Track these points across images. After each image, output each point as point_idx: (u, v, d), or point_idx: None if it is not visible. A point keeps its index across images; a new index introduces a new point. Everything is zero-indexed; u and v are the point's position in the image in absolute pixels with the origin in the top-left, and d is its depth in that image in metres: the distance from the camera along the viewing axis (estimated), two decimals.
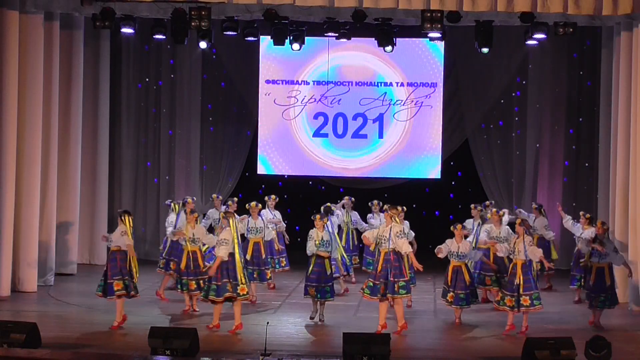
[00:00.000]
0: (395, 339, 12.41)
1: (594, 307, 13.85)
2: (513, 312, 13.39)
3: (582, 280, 15.01)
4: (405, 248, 13.21)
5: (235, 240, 13.20)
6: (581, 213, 15.62)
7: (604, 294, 13.77)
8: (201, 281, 14.17)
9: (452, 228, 14.02)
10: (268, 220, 16.13)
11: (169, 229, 15.72)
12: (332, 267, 14.09)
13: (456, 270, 13.91)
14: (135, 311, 14.11)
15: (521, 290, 13.35)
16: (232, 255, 13.13)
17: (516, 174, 19.56)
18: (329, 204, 16.54)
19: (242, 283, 13.12)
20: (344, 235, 17.27)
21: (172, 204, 16.09)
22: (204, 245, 14.48)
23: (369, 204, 17.07)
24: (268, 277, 15.71)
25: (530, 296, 13.36)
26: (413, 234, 15.34)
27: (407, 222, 15.28)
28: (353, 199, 17.29)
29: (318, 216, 13.86)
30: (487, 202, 16.80)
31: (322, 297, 13.75)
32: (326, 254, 13.71)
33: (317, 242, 13.67)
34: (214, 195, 17.13)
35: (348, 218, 17.23)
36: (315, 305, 13.91)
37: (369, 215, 17.07)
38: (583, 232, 15.28)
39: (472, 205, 16.02)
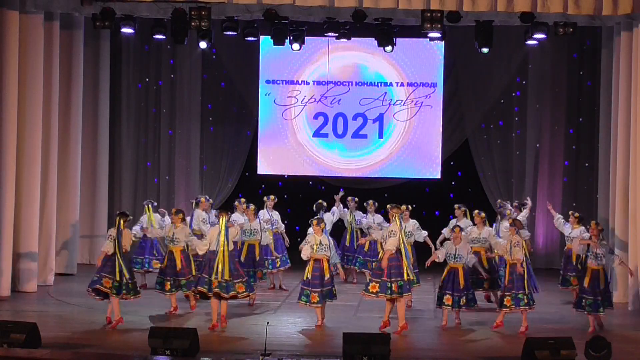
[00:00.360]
0: (395, 339, 12.40)
1: (590, 310, 13.52)
2: (498, 310, 13.59)
3: (575, 280, 15.00)
4: (386, 246, 13.32)
5: (222, 239, 13.25)
6: (570, 212, 15.68)
7: (599, 297, 13.51)
8: (176, 281, 14.25)
9: (449, 230, 14.00)
10: (264, 221, 16.08)
11: (136, 227, 15.85)
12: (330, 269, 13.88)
13: (452, 272, 13.77)
14: (135, 311, 14.12)
15: (505, 290, 13.51)
16: (214, 253, 13.24)
17: (516, 174, 19.57)
18: (320, 200, 16.58)
19: (215, 278, 13.17)
20: (348, 236, 17.28)
21: (146, 206, 16.18)
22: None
23: (364, 203, 17.09)
24: (259, 278, 15.59)
25: (511, 296, 13.44)
26: (425, 233, 15.31)
27: (414, 222, 15.25)
28: (356, 199, 17.29)
29: (315, 221, 13.83)
30: (499, 201, 16.88)
31: (321, 302, 13.61)
32: (324, 256, 13.60)
33: (315, 246, 13.54)
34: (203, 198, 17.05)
35: (352, 218, 17.23)
36: (319, 312, 13.74)
37: (363, 215, 17.07)
38: (572, 231, 15.32)
39: (456, 206, 15.99)
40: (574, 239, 15.04)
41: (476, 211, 15.27)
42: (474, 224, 15.23)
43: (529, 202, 16.43)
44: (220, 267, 13.26)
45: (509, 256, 13.51)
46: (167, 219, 16.04)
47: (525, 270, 13.53)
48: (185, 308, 14.58)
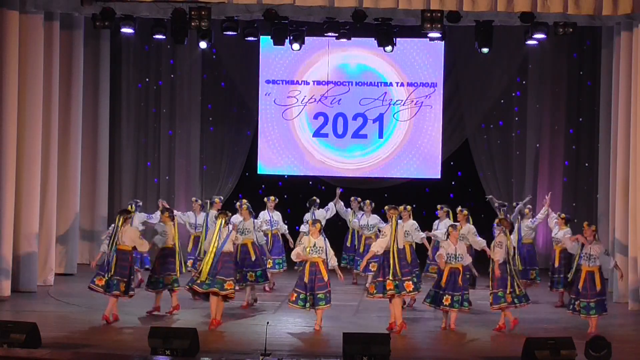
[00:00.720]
0: (395, 339, 12.39)
1: (585, 313, 13.27)
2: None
3: (566, 282, 15.04)
4: (372, 247, 13.48)
5: (214, 240, 13.36)
6: (557, 213, 15.70)
7: (593, 299, 13.24)
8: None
9: (450, 229, 13.84)
10: (262, 221, 16.07)
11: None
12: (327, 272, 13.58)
13: (453, 273, 13.59)
14: (135, 311, 14.12)
15: (490, 288, 13.57)
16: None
17: (516, 174, 19.56)
18: (314, 197, 16.61)
19: (199, 277, 13.35)
20: (349, 237, 17.24)
21: (129, 206, 16.21)
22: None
23: (361, 203, 17.04)
24: (252, 280, 15.17)
25: (492, 295, 13.49)
26: (422, 235, 15.25)
27: (413, 223, 15.17)
28: (359, 199, 17.23)
29: (310, 221, 13.79)
30: (489, 197, 16.95)
31: (316, 305, 13.41)
32: (319, 258, 13.38)
33: (308, 248, 13.40)
34: (193, 199, 16.98)
35: (354, 218, 17.18)
36: (318, 314, 13.58)
37: (359, 214, 16.98)
38: (557, 232, 15.34)
39: (439, 206, 15.87)
40: (559, 240, 15.12)
41: (459, 208, 15.26)
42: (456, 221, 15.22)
43: (547, 199, 16.24)
44: (204, 267, 13.33)
45: (493, 256, 13.54)
46: (155, 216, 16.06)
47: (508, 271, 13.45)
48: (184, 307, 14.58)
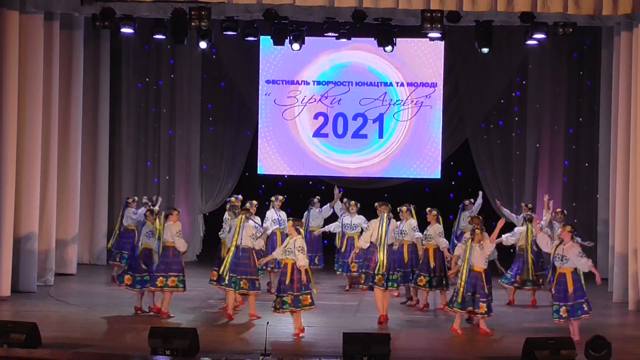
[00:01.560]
0: (395, 339, 12.38)
1: (553, 317, 12.87)
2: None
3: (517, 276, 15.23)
4: (358, 244, 13.80)
5: (236, 237, 13.75)
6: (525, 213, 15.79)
7: (567, 303, 12.72)
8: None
9: (477, 231, 13.15)
10: (272, 220, 16.11)
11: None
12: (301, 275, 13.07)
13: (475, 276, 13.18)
14: (133, 311, 14.13)
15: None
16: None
17: (516, 174, 19.55)
18: (317, 197, 16.65)
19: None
20: (344, 242, 17.15)
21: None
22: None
23: (347, 204, 16.87)
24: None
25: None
26: (417, 235, 15.20)
27: (412, 222, 15.10)
28: (352, 202, 17.11)
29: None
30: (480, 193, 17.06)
31: (283, 308, 13.00)
32: (288, 260, 12.95)
33: (280, 249, 13.17)
34: (145, 199, 16.85)
35: (348, 222, 17.09)
36: (294, 319, 13.17)
37: (345, 215, 16.85)
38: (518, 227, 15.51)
39: (404, 207, 15.28)
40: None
41: (428, 209, 15.16)
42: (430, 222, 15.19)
43: (546, 201, 16.18)
44: (225, 263, 13.77)
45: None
46: (140, 212, 16.09)
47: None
48: (185, 308, 14.56)
